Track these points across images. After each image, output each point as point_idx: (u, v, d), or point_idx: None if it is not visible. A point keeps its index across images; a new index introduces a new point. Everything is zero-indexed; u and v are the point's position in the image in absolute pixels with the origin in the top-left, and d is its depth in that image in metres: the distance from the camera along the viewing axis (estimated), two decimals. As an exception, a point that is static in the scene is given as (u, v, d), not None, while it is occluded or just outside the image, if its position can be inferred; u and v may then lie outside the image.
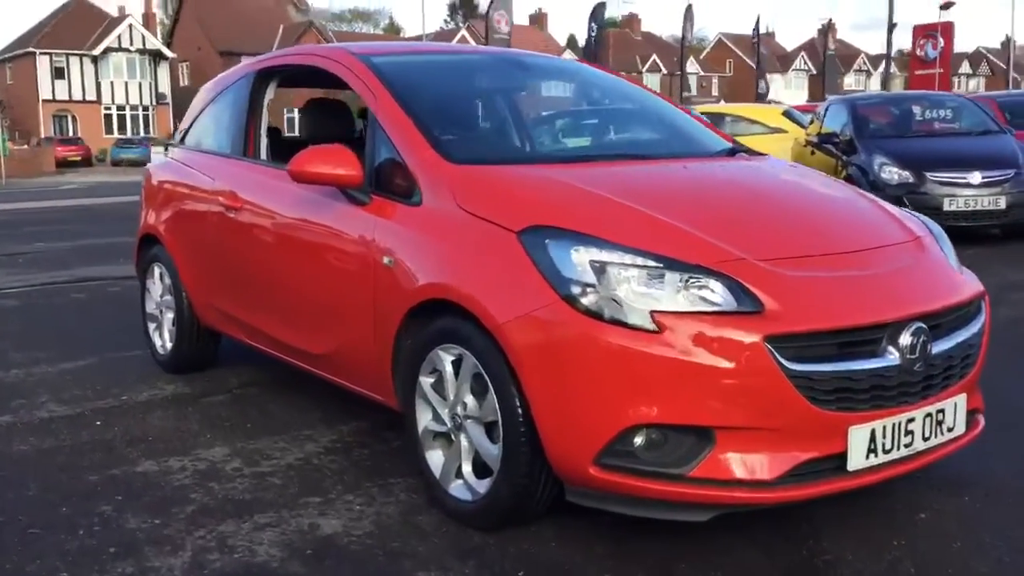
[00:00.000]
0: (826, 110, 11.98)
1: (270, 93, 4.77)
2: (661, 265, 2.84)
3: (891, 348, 2.84)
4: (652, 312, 2.76)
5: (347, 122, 4.97)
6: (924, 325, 2.91)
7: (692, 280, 2.81)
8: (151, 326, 5.50)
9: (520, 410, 2.98)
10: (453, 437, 3.30)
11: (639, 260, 2.85)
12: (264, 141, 4.72)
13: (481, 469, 3.21)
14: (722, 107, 19.67)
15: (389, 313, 3.47)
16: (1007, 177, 9.44)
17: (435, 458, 3.40)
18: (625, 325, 2.77)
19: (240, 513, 3.43)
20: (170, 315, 5.28)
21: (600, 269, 2.85)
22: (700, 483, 2.77)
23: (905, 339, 2.85)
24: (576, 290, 2.84)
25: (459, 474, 3.29)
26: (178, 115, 40.03)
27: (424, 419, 3.42)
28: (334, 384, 4.04)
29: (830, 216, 3.39)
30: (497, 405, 3.05)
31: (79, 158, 49.22)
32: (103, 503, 3.55)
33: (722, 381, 2.71)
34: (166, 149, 5.80)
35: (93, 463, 3.97)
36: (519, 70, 4.79)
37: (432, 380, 3.38)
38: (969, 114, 10.85)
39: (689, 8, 39.86)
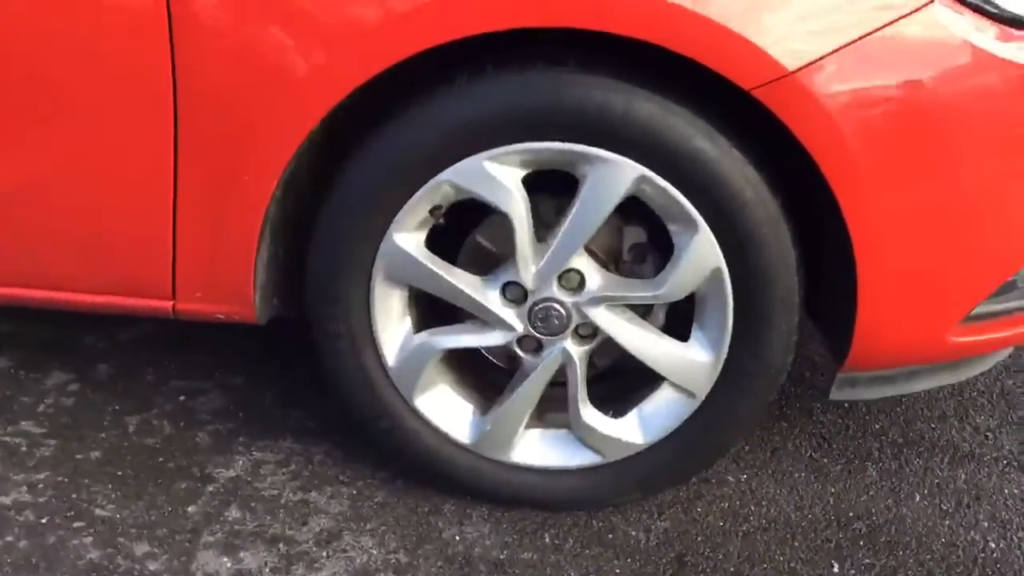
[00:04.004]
0: None
1: None
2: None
3: None
4: None
5: None
6: None
7: None
8: None
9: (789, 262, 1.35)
10: (521, 352, 1.45)
11: None
12: None
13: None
14: None
15: (269, 99, 1.28)
16: None
17: (449, 406, 1.49)
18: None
19: None
20: None
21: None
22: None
23: None
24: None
25: (543, 420, 1.50)
26: None
27: (398, 330, 1.45)
28: None
29: None
30: (723, 264, 1.33)
31: None
32: None
33: None
34: None
35: None
36: None
37: (419, 237, 1.40)
38: None
39: None
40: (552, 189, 1.38)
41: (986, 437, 1.78)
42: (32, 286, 1.49)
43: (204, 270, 1.43)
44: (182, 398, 1.79)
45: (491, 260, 1.46)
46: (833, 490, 1.63)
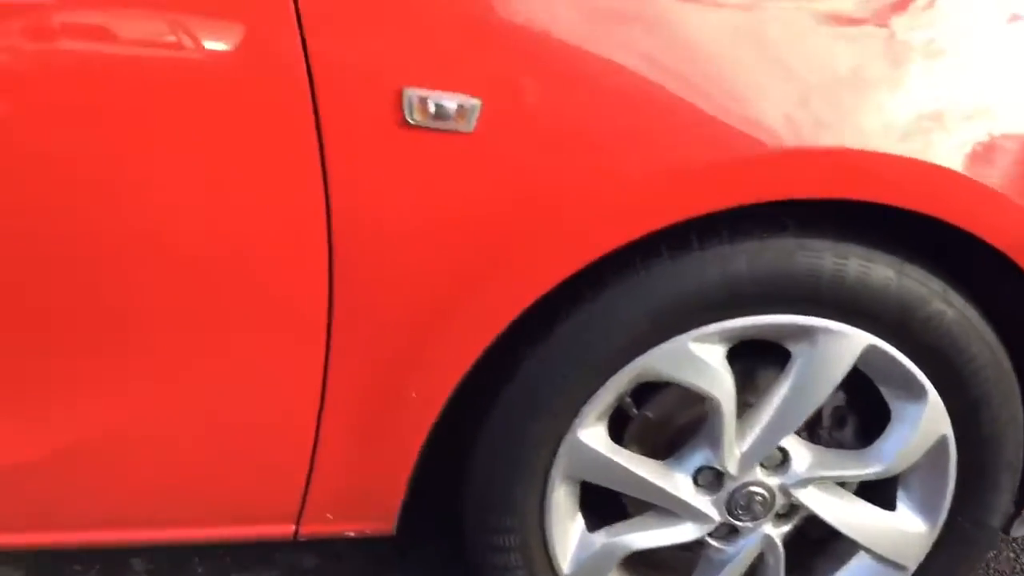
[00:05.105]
0: None
1: None
2: None
3: None
4: None
5: None
6: None
7: None
8: None
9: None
10: (713, 541, 1.25)
11: None
12: None
13: None
14: None
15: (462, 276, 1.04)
16: None
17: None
18: None
19: None
20: None
21: None
22: None
23: None
24: None
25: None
26: None
27: (572, 531, 1.23)
28: None
29: None
30: (950, 432, 1.19)
31: None
32: None
33: None
34: None
35: None
36: None
37: (602, 430, 1.18)
38: None
39: None
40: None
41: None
42: (104, 527, 1.19)
43: (344, 492, 1.17)
44: (255, 600, 1.51)
45: (659, 439, 1.26)
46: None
